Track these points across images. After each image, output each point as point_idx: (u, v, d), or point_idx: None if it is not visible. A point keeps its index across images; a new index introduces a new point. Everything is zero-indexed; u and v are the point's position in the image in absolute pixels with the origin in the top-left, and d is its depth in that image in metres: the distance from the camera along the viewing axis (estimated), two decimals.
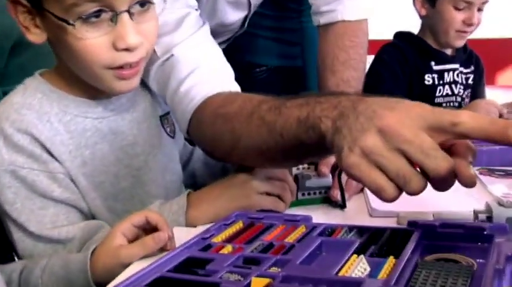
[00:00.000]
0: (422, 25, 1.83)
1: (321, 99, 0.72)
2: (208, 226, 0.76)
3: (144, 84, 1.03)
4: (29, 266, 0.84)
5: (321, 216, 0.87)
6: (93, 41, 0.85)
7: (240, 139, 0.84)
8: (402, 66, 1.75)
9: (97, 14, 0.83)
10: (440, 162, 0.59)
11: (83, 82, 0.92)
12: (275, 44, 1.59)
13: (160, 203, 0.91)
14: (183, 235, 0.75)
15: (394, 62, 1.75)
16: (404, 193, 0.62)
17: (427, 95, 1.76)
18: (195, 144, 1.06)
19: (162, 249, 0.76)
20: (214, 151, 0.95)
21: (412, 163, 0.60)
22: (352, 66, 1.27)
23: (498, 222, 0.73)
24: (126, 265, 0.74)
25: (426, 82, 1.76)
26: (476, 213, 0.76)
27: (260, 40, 1.58)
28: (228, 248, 0.67)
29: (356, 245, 0.65)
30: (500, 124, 0.58)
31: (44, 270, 0.82)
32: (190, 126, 0.96)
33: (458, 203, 0.84)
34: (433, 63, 1.78)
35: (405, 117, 0.60)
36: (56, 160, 0.90)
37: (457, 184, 0.61)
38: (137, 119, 1.00)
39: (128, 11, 0.85)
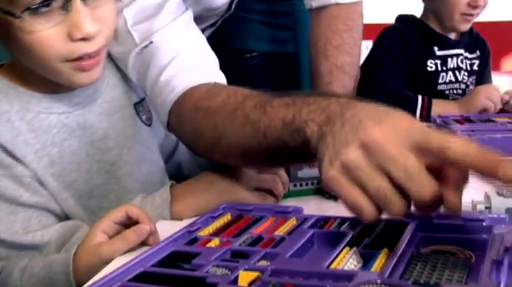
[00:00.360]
0: (425, 8, 1.83)
1: (309, 99, 0.71)
2: (194, 218, 0.77)
3: (114, 70, 1.03)
4: (7, 267, 0.84)
5: (313, 208, 0.88)
6: (45, 33, 0.82)
7: (222, 136, 0.83)
8: (403, 52, 1.75)
9: (47, 2, 0.80)
10: (424, 186, 0.57)
11: (42, 76, 0.90)
12: (266, 29, 1.59)
13: (142, 197, 0.91)
14: (168, 229, 0.75)
15: (395, 47, 1.76)
16: None
17: (429, 82, 1.77)
18: (177, 138, 1.06)
19: (145, 245, 0.76)
20: (196, 146, 0.94)
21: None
22: (346, 51, 1.28)
23: (497, 213, 0.73)
24: (108, 262, 0.74)
25: (429, 68, 1.77)
26: (474, 203, 0.77)
27: (250, 24, 1.58)
28: (215, 242, 0.68)
29: (349, 237, 0.65)
30: (491, 159, 0.56)
31: (23, 271, 0.82)
32: (170, 119, 0.95)
33: None
34: (436, 48, 1.78)
35: (392, 133, 0.59)
36: (20, 162, 0.89)
37: None
38: (107, 111, 0.99)
39: None
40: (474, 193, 0.80)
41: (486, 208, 0.76)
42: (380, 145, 0.58)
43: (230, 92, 0.86)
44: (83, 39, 0.84)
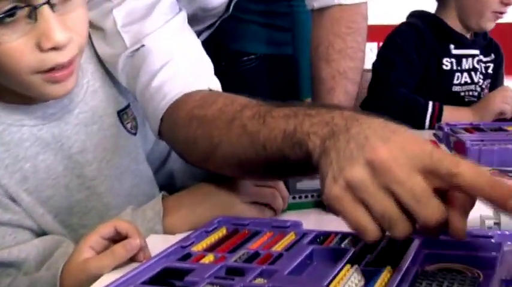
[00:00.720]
0: (445, 5, 1.83)
1: (311, 111, 0.72)
2: (187, 233, 0.77)
3: (95, 76, 1.02)
4: None
5: (313, 222, 0.88)
6: (12, 45, 0.81)
7: (217, 147, 0.84)
8: (418, 49, 1.76)
9: (11, 12, 0.78)
10: (431, 211, 0.58)
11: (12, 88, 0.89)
12: (264, 30, 1.61)
13: (131, 209, 0.90)
14: (159, 243, 0.75)
15: (409, 45, 1.76)
16: None
17: (444, 82, 1.78)
18: (169, 146, 1.06)
19: (135, 261, 0.77)
20: (189, 156, 0.94)
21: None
22: (349, 56, 1.28)
23: (507, 229, 0.74)
24: (96, 279, 0.74)
25: (444, 67, 1.77)
26: (483, 219, 0.78)
27: (248, 25, 1.59)
28: (209, 258, 0.69)
29: (350, 254, 0.66)
30: (501, 189, 0.56)
31: None
32: (162, 127, 0.95)
33: None
34: (452, 46, 1.79)
35: (400, 154, 0.59)
36: None
37: None
38: (84, 122, 0.98)
39: (48, 2, 0.80)
40: (484, 208, 0.81)
41: (495, 223, 0.77)
42: (387, 165, 0.59)
43: (227, 101, 0.87)
44: (54, 48, 0.82)
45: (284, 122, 0.74)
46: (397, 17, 1.93)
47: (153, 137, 1.09)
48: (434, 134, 1.51)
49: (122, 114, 1.04)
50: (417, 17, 1.85)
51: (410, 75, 1.74)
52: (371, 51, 2.51)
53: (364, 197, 0.59)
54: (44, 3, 0.80)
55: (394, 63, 1.74)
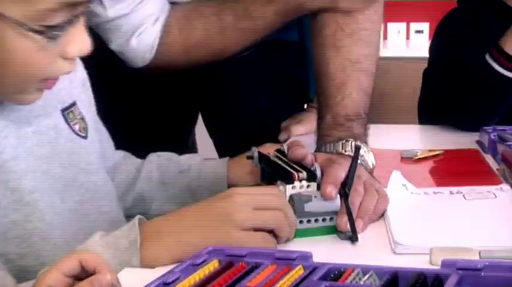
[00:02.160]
0: None
1: None
2: (171, 266, 0.79)
3: None
4: None
5: (325, 253, 0.90)
6: (39, 54, 0.89)
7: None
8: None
9: (65, 23, 0.88)
10: None
11: None
12: None
13: (100, 236, 0.91)
14: (135, 279, 0.78)
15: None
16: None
17: None
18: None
19: None
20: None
21: None
22: (363, 40, 1.28)
23: None
24: None
25: None
26: None
27: None
28: None
29: None
30: None
31: None
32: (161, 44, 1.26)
33: None
34: None
35: None
36: None
37: None
38: (16, 123, 0.99)
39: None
40: None
41: None
42: None
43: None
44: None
45: None
46: None
47: (110, 144, 1.18)
48: (478, 141, 1.50)
49: (67, 113, 1.08)
50: (469, 0, 1.87)
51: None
52: (398, 34, 2.53)
53: None
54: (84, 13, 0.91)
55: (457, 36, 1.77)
